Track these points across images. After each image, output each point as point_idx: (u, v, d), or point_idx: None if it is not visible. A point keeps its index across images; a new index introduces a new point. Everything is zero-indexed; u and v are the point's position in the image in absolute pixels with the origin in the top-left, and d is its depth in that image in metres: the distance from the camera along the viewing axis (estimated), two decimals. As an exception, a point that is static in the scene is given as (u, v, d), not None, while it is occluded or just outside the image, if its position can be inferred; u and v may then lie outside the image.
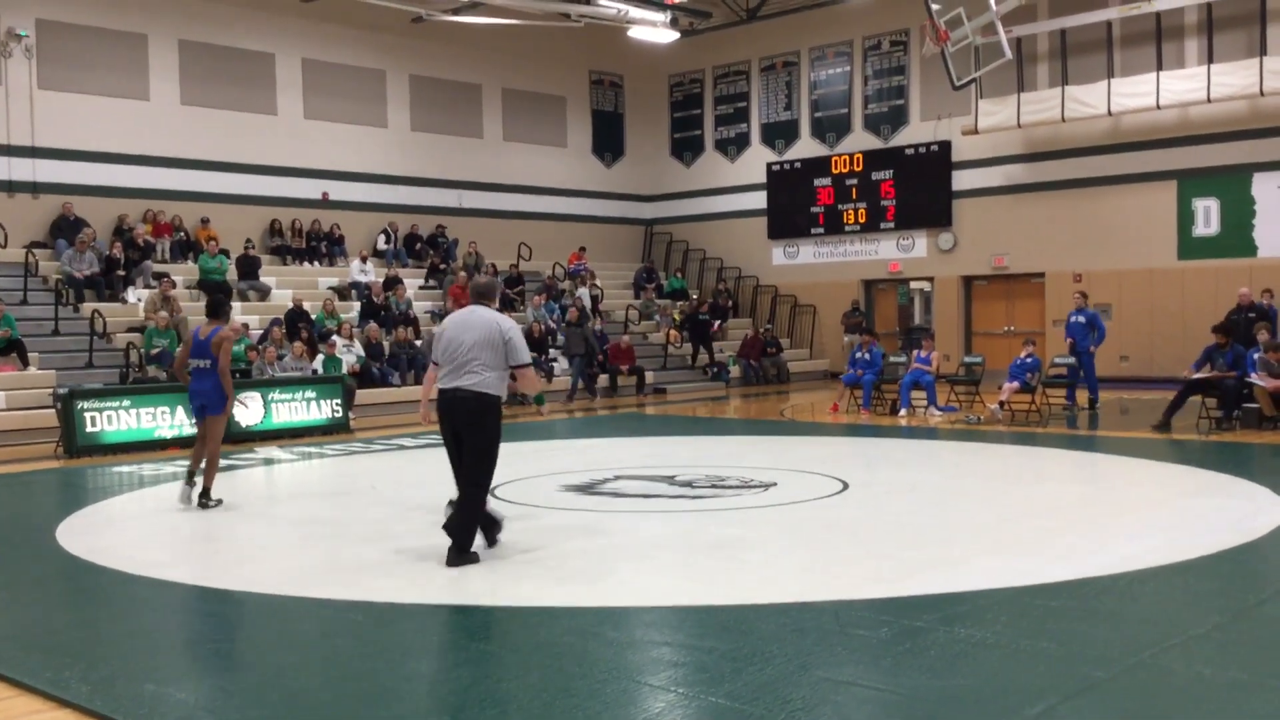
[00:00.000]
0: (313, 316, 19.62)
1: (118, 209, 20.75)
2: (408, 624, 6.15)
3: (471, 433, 7.38)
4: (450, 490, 8.03)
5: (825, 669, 5.13)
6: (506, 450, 13.01)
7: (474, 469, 7.44)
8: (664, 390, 22.93)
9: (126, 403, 14.66)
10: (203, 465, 10.13)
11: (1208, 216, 21.51)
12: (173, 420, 14.94)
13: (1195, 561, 7.13)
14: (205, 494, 10.02)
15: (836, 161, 26.38)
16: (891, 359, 18.92)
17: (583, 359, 21.38)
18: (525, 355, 7.54)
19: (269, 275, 21.58)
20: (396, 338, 20.09)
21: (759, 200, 27.84)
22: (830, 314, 26.36)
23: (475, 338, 7.37)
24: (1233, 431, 14.22)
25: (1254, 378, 14.36)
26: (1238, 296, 17.24)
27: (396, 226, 24.54)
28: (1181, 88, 21.10)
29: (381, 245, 24.07)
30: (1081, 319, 17.72)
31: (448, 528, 7.43)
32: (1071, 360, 17.41)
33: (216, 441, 10.16)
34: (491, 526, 7.83)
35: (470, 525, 7.47)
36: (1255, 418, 14.36)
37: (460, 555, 7.38)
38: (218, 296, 11.37)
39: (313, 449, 14.67)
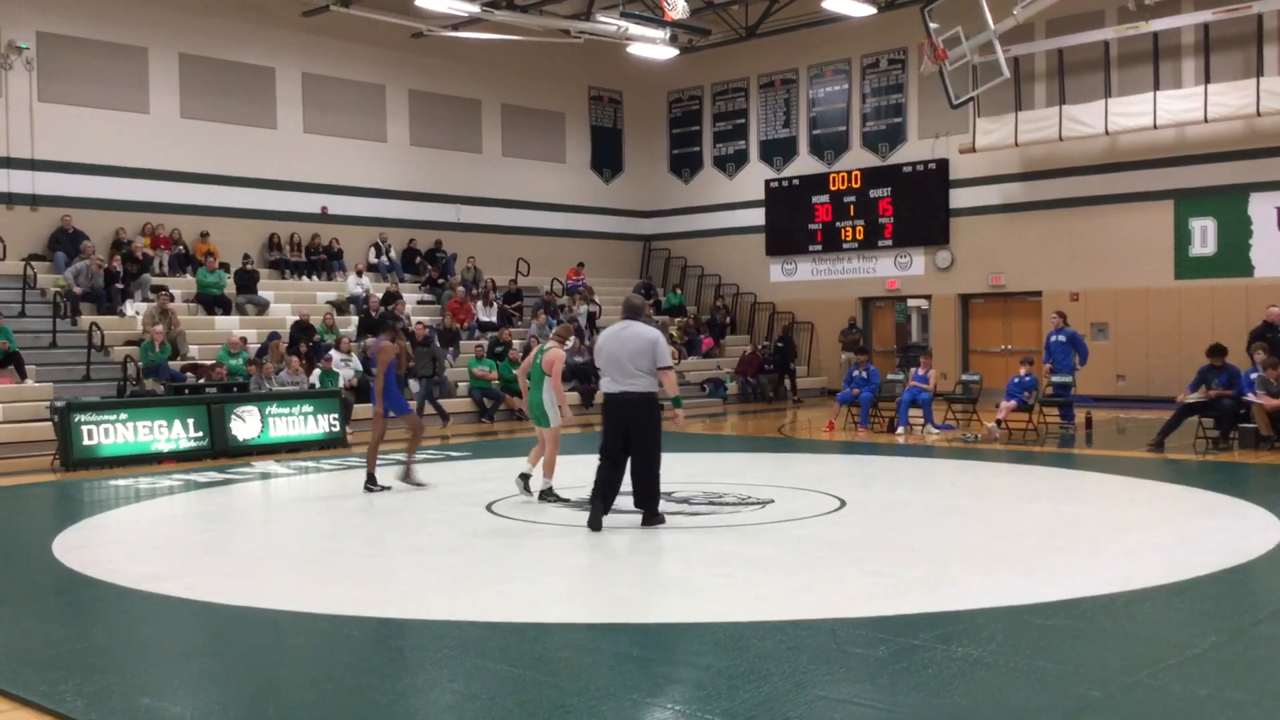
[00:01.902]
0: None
1: (116, 222, 20.76)
2: (402, 639, 6.15)
3: (637, 426, 8.95)
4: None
5: (822, 687, 5.13)
6: (504, 465, 13.03)
7: (646, 451, 9.00)
8: (661, 406, 22.88)
9: (124, 416, 14.64)
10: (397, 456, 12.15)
11: (1204, 236, 21.56)
12: (169, 434, 14.93)
13: (1192, 581, 7.12)
14: (371, 479, 11.61)
15: (834, 179, 26.44)
16: (889, 377, 18.93)
17: (430, 381, 19.49)
18: (668, 359, 9.03)
19: (267, 289, 21.58)
20: (394, 352, 20.06)
21: (757, 217, 27.90)
22: (828, 331, 26.38)
23: (632, 349, 8.85)
24: (1229, 451, 14.23)
25: (1251, 396, 14.36)
26: (1265, 315, 16.98)
27: (388, 239, 24.54)
28: (1178, 108, 21.18)
29: (372, 259, 24.08)
30: (1062, 338, 17.66)
31: (637, 502, 9.12)
32: (1068, 379, 17.38)
33: (376, 435, 11.76)
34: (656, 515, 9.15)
35: (655, 493, 9.08)
36: (1252, 438, 14.36)
37: (652, 518, 9.03)
38: (381, 311, 12.64)
39: (309, 463, 14.66)
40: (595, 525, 8.94)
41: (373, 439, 11.81)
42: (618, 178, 29.62)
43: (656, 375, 8.95)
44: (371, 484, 11.59)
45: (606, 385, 9.02)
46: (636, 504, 9.16)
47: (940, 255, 25.03)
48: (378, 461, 11.86)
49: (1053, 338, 17.90)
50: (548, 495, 10.65)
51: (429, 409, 19.19)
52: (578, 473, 12.26)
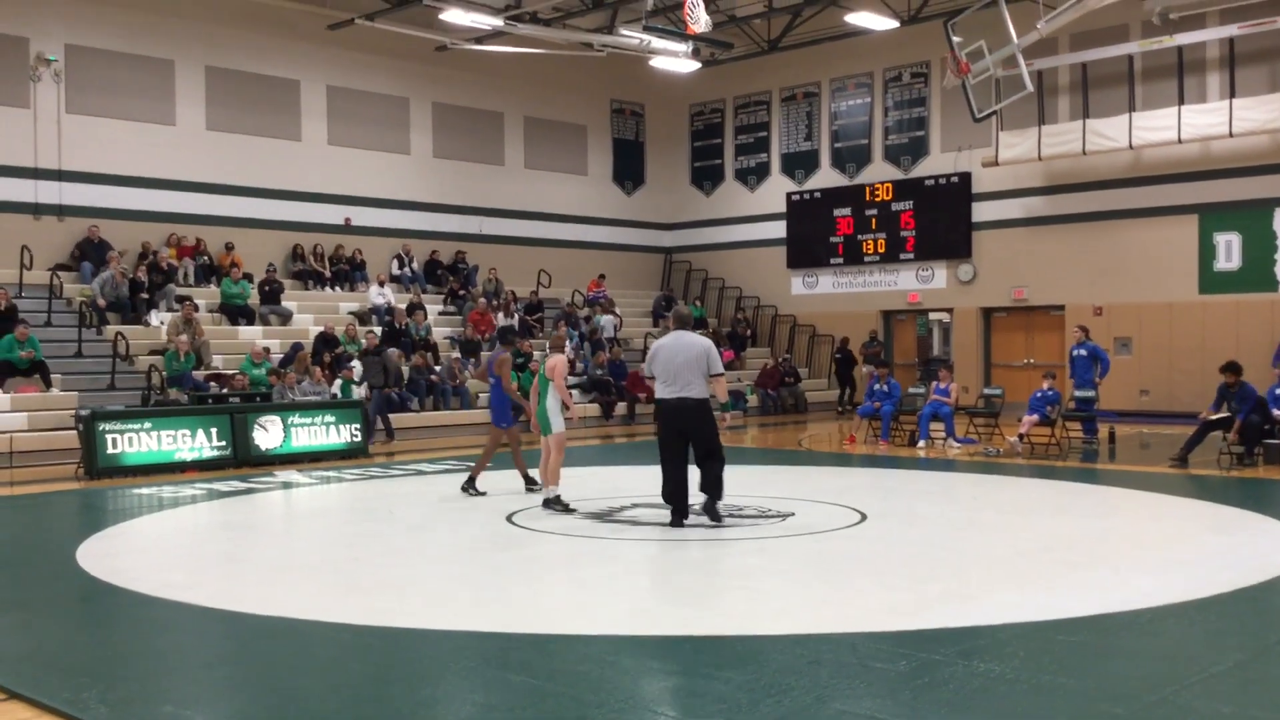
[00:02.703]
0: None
1: (142, 232, 20.92)
2: (424, 649, 6.16)
3: (697, 429, 9.60)
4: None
5: (843, 701, 5.11)
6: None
7: (710, 449, 9.64)
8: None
9: (148, 425, 14.74)
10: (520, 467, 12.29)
11: (1229, 251, 21.44)
12: (193, 443, 15.02)
13: (1215, 598, 7.07)
14: (469, 483, 11.90)
15: (856, 192, 26.42)
16: (910, 390, 18.88)
17: (381, 392, 18.60)
18: (719, 367, 9.62)
19: (291, 300, 21.70)
20: (415, 363, 20.13)
21: (778, 230, 27.89)
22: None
23: (687, 357, 9.48)
24: (1253, 468, 14.12)
25: (1278, 412, 14.22)
26: None
27: (410, 250, 24.63)
28: (1203, 122, 21.08)
29: (395, 270, 24.17)
30: (1083, 352, 17.59)
31: (705, 489, 9.68)
32: (1091, 393, 17.28)
33: (489, 447, 12.32)
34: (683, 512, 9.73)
35: (721, 483, 9.68)
36: (1277, 454, 14.23)
37: (714, 503, 9.59)
38: (503, 326, 13.23)
39: (331, 473, 14.71)
40: (678, 525, 9.60)
41: (488, 447, 12.35)
42: (639, 190, 29.67)
43: (708, 380, 9.55)
44: (469, 486, 11.90)
45: (661, 391, 9.61)
46: (702, 488, 9.65)
47: (962, 268, 24.96)
48: (487, 467, 12.27)
49: (1075, 351, 17.82)
50: (554, 503, 10.66)
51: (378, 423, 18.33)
52: (595, 485, 12.31)
